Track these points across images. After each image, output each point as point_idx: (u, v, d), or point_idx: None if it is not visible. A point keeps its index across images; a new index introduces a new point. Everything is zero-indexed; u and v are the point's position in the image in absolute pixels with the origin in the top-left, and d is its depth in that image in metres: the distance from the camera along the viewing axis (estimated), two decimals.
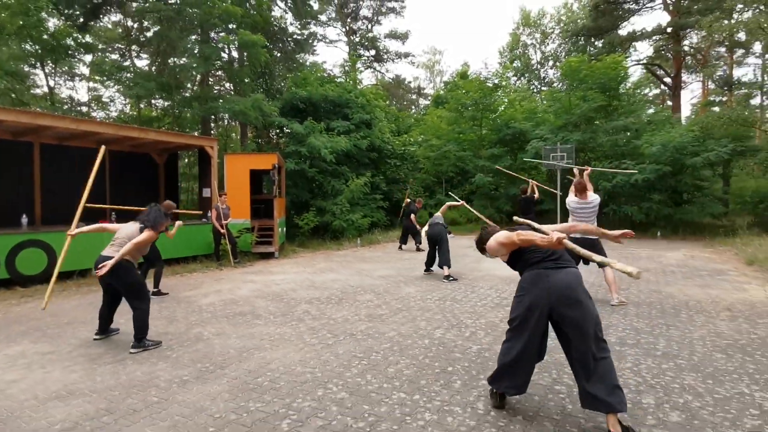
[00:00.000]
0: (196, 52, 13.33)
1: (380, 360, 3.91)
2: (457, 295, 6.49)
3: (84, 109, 19.96)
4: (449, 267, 7.88)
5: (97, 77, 18.71)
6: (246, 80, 15.23)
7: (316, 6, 32.41)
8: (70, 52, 15.19)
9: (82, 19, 15.00)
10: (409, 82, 42.65)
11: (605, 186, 15.88)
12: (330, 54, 53.13)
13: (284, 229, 13.50)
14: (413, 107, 40.75)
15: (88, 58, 17.05)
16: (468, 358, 3.92)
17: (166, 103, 17.09)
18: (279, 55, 19.46)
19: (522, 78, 38.51)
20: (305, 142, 14.88)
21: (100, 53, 18.46)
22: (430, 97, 39.04)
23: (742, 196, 19.31)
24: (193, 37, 13.84)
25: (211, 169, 11.08)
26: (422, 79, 49.85)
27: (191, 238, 10.15)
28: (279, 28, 17.95)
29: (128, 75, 16.30)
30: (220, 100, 13.74)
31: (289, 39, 18.61)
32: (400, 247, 13.05)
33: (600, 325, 2.72)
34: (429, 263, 8.39)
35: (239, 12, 12.70)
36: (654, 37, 23.12)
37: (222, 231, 9.73)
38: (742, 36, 20.07)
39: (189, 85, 17.78)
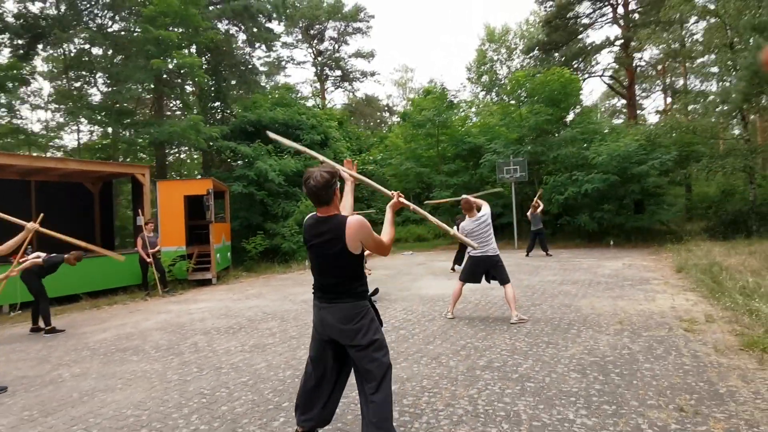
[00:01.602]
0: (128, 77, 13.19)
1: (223, 397, 3.69)
2: None
3: (41, 140, 19.62)
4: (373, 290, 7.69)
5: (52, 106, 18.46)
6: (189, 101, 15.09)
7: (279, 29, 32.73)
8: (9, 84, 14.93)
9: (22, 50, 14.80)
10: (381, 101, 43.00)
11: (558, 199, 15.96)
12: (301, 75, 53.41)
13: (229, 253, 13.24)
14: (383, 125, 41.01)
15: (38, 85, 16.83)
16: None
17: (110, 130, 16.84)
18: (235, 79, 19.39)
19: (490, 93, 39.13)
20: (253, 165, 14.74)
21: (50, 81, 18.24)
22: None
23: (701, 202, 19.66)
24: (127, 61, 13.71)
25: (144, 196, 10.84)
26: (395, 97, 50.45)
27: (118, 269, 9.83)
28: (228, 50, 17.90)
29: (74, 103, 16.07)
30: (155, 125, 13.52)
31: (242, 62, 18.56)
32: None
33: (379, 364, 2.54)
34: None
35: (174, 36, 12.62)
36: (606, 50, 23.66)
37: (148, 260, 9.46)
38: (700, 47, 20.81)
39: (139, 111, 17.60)
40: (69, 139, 21.36)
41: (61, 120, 18.10)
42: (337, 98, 59.96)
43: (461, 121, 21.74)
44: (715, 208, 16.63)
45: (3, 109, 13.96)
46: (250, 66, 18.44)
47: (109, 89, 16.22)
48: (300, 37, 36.37)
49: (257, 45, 23.12)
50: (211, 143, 15.43)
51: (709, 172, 15.16)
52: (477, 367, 4.05)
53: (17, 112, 17.11)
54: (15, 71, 12.87)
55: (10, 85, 12.98)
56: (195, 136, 12.92)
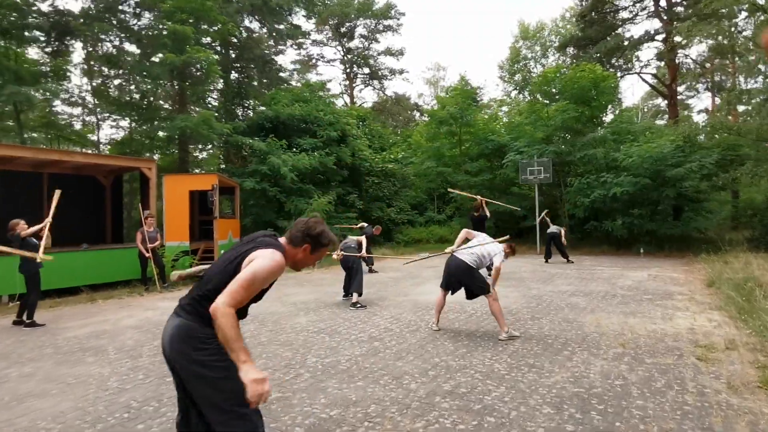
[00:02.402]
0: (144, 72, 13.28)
1: (148, 412, 3.33)
2: (343, 327, 5.86)
3: (73, 135, 20.24)
4: (359, 294, 7.28)
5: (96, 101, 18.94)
6: (206, 97, 15.08)
7: (309, 26, 32.75)
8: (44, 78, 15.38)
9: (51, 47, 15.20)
10: (410, 99, 42.41)
11: (583, 202, 15.03)
12: (331, 72, 53.63)
13: None
14: (412, 124, 40.44)
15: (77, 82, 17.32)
16: None
17: (133, 125, 17.10)
18: (256, 75, 19.37)
19: (523, 92, 37.84)
20: (266, 160, 14.58)
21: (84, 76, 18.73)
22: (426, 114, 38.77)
23: (747, 209, 18.12)
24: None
25: (149, 190, 10.80)
26: (426, 96, 49.70)
27: (118, 263, 9.81)
28: (248, 46, 17.83)
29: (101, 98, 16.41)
30: (169, 121, 13.55)
31: (262, 57, 18.46)
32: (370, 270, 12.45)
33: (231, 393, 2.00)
34: (346, 289, 7.81)
35: (189, 30, 12.58)
36: (647, 46, 22.25)
37: (147, 255, 9.36)
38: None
39: (162, 107, 17.82)
40: (103, 135, 22.06)
41: (86, 116, 18.51)
42: (367, 96, 59.94)
43: (488, 120, 20.91)
44: (760, 216, 15.21)
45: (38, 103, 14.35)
46: (269, 60, 18.27)
47: (131, 85, 16.45)
48: (330, 35, 36.37)
49: (283, 42, 23.15)
50: (228, 138, 15.37)
51: (753, 177, 13.85)
52: (439, 392, 3.54)
53: (52, 107, 17.70)
54: (56, 67, 13.15)
55: (46, 80, 13.30)
56: (207, 131, 12.85)
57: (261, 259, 2.02)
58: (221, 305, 1.88)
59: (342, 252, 7.51)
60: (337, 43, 35.51)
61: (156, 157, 20.54)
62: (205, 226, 12.42)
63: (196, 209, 13.58)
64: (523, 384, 3.65)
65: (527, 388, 3.56)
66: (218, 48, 19.14)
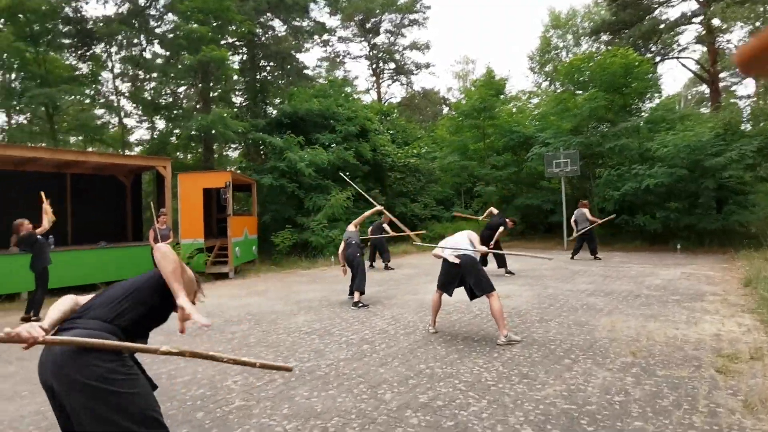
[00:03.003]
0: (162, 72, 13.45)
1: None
2: (338, 328, 5.61)
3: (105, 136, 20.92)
4: (361, 293, 7.01)
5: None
6: (225, 95, 15.16)
7: (334, 23, 32.65)
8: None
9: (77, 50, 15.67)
10: (438, 93, 41.72)
11: (613, 195, 14.20)
12: (357, 69, 53.48)
13: (254, 247, 13.10)
14: (439, 118, 39.81)
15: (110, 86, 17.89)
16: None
17: (158, 125, 17.47)
18: (276, 72, 19.40)
19: (554, 83, 36.48)
20: (284, 156, 14.52)
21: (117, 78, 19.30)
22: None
23: None
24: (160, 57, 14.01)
25: (165, 188, 10.90)
26: (455, 90, 48.80)
27: (135, 260, 9.93)
28: (266, 43, 17.84)
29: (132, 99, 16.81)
30: (186, 119, 13.69)
31: (280, 54, 18.44)
32: (370, 265, 12.19)
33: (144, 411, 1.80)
34: (351, 287, 7.55)
35: (205, 30, 12.63)
36: (685, 29, 20.86)
37: None
38: None
39: (185, 106, 18.11)
40: (134, 137, 22.71)
41: (112, 117, 19.04)
42: (395, 92, 59.58)
43: (515, 111, 20.17)
44: None
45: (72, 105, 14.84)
46: (286, 56, 18.21)
47: (155, 85, 16.77)
48: (356, 31, 36.20)
49: (306, 39, 23.10)
50: (248, 136, 15.42)
51: None
52: (413, 404, 3.22)
53: (84, 110, 18.33)
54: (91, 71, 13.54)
55: (76, 84, 13.74)
56: (223, 129, 12.89)
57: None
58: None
59: (345, 243, 7.25)
60: (363, 38, 35.29)
61: (181, 156, 21.02)
62: (223, 224, 12.47)
63: (214, 207, 13.70)
64: (509, 397, 3.28)
65: (512, 403, 3.19)
66: (240, 47, 19.30)
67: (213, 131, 13.55)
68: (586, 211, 11.92)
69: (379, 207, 8.17)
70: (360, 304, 6.78)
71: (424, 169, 21.79)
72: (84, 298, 2.06)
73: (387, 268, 11.64)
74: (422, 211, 20.31)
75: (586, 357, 4.12)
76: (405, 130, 23.66)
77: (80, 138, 20.45)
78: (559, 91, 28.24)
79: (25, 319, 6.69)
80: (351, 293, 7.50)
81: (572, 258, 12.04)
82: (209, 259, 11.05)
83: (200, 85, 16.55)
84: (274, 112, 19.53)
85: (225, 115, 13.00)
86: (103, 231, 11.46)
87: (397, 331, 5.35)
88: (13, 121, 19.58)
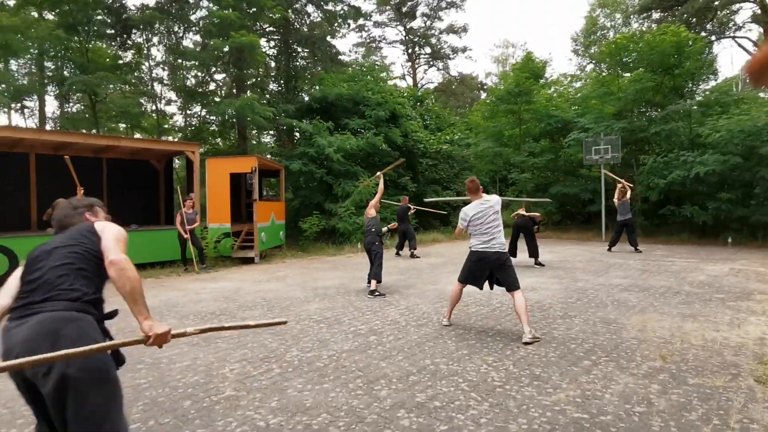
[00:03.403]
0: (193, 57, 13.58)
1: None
2: (349, 317, 5.44)
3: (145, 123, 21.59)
4: (378, 281, 6.82)
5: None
6: (257, 81, 15.20)
7: (369, 7, 32.24)
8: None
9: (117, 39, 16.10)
10: (476, 78, 40.55)
11: (658, 184, 13.30)
12: (394, 54, 52.68)
13: (282, 232, 13.15)
14: (475, 104, 38.77)
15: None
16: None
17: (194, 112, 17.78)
18: (308, 57, 19.32)
19: (599, 65, 34.62)
20: (313, 142, 14.46)
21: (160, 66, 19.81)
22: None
23: None
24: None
25: (194, 173, 11.05)
26: (494, 75, 47.35)
27: (165, 243, 10.14)
28: (297, 28, 17.72)
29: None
30: (215, 105, 13.81)
31: (312, 39, 18.28)
32: (396, 253, 11.99)
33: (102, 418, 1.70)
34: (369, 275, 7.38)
35: (234, 16, 12.63)
36: (740, 5, 19.14)
37: (185, 236, 9.57)
38: None
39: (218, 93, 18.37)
40: (174, 122, 23.31)
41: (150, 104, 19.54)
42: (431, 77, 58.64)
43: (555, 95, 19.22)
44: None
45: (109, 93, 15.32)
46: (316, 41, 18.02)
47: (192, 72, 17.04)
48: (392, 15, 35.59)
49: (341, 24, 22.86)
50: (279, 122, 15.44)
51: None
52: (409, 403, 3.00)
53: (126, 98, 18.94)
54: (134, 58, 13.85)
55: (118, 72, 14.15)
56: (252, 114, 12.91)
57: (112, 225, 2.05)
58: (121, 257, 1.86)
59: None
60: (398, 23, 34.64)
61: (219, 142, 21.40)
62: (251, 209, 12.56)
63: (243, 192, 13.83)
64: (514, 401, 3.00)
65: (516, 407, 2.91)
66: (273, 33, 19.29)
67: (245, 117, 13.61)
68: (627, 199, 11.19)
69: (379, 174, 7.51)
70: (376, 293, 6.59)
71: (458, 156, 21.27)
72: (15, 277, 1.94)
73: (413, 256, 11.39)
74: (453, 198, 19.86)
75: (609, 359, 3.75)
76: (439, 116, 23.11)
77: (122, 125, 21.17)
78: (603, 74, 26.86)
79: None
80: (369, 281, 7.32)
81: (609, 250, 11.39)
82: (236, 243, 11.15)
83: (233, 71, 16.72)
84: (306, 97, 19.53)
85: (254, 101, 12.98)
86: (136, 214, 11.76)
87: (409, 322, 5.12)
88: (62, 109, 20.54)
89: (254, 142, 21.20)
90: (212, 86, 19.98)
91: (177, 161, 14.73)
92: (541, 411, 2.85)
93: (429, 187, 19.75)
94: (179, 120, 20.57)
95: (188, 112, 20.54)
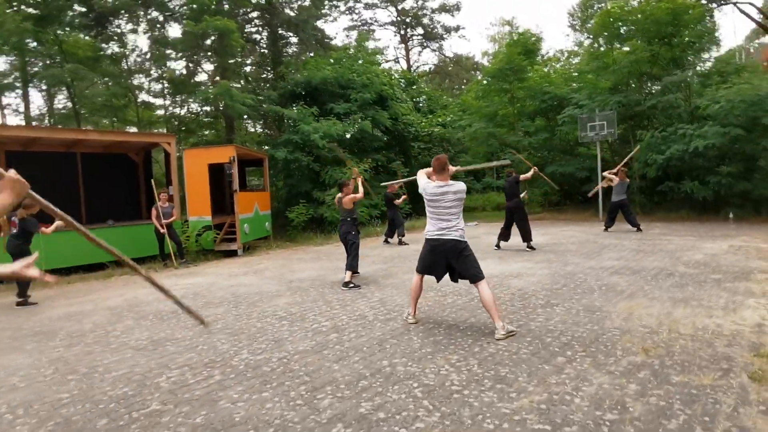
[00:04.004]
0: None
1: None
2: (315, 313, 5.08)
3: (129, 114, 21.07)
4: (354, 272, 6.46)
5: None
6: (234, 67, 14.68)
7: None
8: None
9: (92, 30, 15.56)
10: (472, 58, 39.67)
11: (656, 159, 12.80)
12: (387, 37, 51.70)
13: (267, 223, 12.80)
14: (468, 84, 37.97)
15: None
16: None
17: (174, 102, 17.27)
18: (294, 41, 18.74)
19: (597, 40, 33.70)
20: (297, 128, 14.01)
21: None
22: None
23: None
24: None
25: (170, 165, 10.66)
26: (491, 54, 46.34)
27: (139, 239, 9.80)
28: (279, 11, 17.10)
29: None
30: (192, 94, 13.35)
31: (291, 21, 17.66)
32: (385, 241, 11.61)
33: None
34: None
35: (208, 1, 12.09)
36: None
37: (162, 230, 9.22)
38: None
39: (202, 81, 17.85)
40: (158, 114, 22.79)
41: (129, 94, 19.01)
42: (426, 59, 57.77)
43: (548, 72, 18.59)
44: None
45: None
46: (300, 24, 17.40)
47: (171, 61, 16.52)
48: None
49: (327, 5, 22.19)
50: (263, 109, 14.96)
51: None
52: (348, 416, 2.63)
53: (109, 89, 18.44)
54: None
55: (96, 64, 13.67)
56: (230, 101, 12.44)
57: None
58: None
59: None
60: (389, 3, 33.75)
61: (207, 133, 20.93)
62: (233, 200, 12.19)
63: (226, 183, 13.43)
64: (470, 410, 2.63)
65: (470, 418, 2.54)
66: (258, 18, 18.68)
67: (226, 105, 13.14)
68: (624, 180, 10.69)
69: (356, 175, 7.03)
70: (351, 285, 6.22)
71: (453, 139, 20.73)
72: None
73: (401, 243, 11.01)
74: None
75: (586, 355, 3.37)
76: (431, 98, 22.51)
77: (107, 120, 20.70)
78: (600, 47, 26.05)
79: (21, 303, 6.49)
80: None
81: (606, 230, 10.96)
82: (218, 236, 10.80)
83: (215, 59, 16.17)
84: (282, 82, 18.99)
85: (229, 87, 12.49)
86: (116, 209, 11.42)
87: (377, 317, 4.76)
88: (51, 105, 20.02)
89: (243, 132, 20.71)
90: (204, 77, 19.48)
91: (159, 154, 14.29)
92: (498, 421, 2.48)
93: None
94: (166, 111, 20.07)
95: (175, 102, 20.06)
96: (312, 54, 19.18)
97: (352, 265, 6.44)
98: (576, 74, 16.76)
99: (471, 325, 4.30)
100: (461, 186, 4.20)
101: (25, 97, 19.74)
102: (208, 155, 10.86)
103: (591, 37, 32.16)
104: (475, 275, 4.02)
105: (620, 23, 14.30)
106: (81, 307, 6.07)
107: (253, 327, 4.61)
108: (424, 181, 4.28)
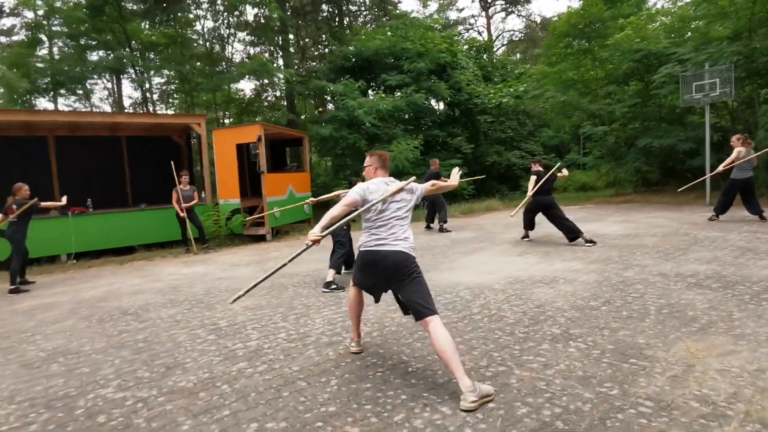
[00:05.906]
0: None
1: None
2: (259, 323, 4.07)
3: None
4: (337, 272, 5.35)
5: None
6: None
7: None
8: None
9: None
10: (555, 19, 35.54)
11: None
12: (472, 7, 48.41)
13: (307, 206, 12.06)
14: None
15: None
16: None
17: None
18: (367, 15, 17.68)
19: None
20: (342, 104, 13.04)
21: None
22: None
23: None
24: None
25: (201, 147, 10.28)
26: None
27: (163, 224, 9.55)
28: None
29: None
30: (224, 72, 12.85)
31: None
32: (426, 227, 10.26)
33: None
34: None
35: None
36: None
37: (182, 214, 8.84)
38: None
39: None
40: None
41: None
42: (512, 26, 53.50)
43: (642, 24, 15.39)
44: None
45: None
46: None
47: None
48: None
49: None
50: (305, 83, 14.20)
51: None
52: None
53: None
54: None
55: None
56: (269, 76, 11.79)
57: None
58: None
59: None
60: None
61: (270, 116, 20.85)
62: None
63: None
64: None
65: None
66: None
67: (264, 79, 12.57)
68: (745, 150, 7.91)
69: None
70: (333, 286, 5.11)
71: (532, 111, 18.37)
72: None
73: (442, 230, 9.61)
74: (520, 160, 17.25)
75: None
76: (504, 65, 20.16)
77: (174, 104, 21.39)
78: None
79: (13, 291, 6.37)
80: (347, 267, 5.86)
81: (715, 218, 8.33)
82: (246, 220, 10.26)
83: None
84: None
85: (263, 61, 11.83)
86: (161, 192, 11.40)
87: (321, 336, 3.61)
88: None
89: (306, 111, 20.30)
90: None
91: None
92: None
93: (492, 148, 17.37)
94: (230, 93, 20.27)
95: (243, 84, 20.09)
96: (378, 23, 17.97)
97: (336, 264, 5.34)
98: (677, 24, 13.51)
99: (428, 366, 2.95)
100: (418, 186, 2.91)
101: (118, 85, 21.13)
102: (236, 135, 10.29)
103: None
104: (421, 309, 2.64)
105: None
106: (77, 295, 5.69)
107: (168, 342, 3.72)
108: (358, 190, 2.89)
